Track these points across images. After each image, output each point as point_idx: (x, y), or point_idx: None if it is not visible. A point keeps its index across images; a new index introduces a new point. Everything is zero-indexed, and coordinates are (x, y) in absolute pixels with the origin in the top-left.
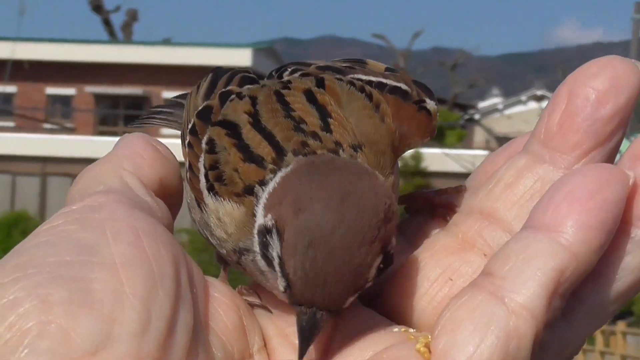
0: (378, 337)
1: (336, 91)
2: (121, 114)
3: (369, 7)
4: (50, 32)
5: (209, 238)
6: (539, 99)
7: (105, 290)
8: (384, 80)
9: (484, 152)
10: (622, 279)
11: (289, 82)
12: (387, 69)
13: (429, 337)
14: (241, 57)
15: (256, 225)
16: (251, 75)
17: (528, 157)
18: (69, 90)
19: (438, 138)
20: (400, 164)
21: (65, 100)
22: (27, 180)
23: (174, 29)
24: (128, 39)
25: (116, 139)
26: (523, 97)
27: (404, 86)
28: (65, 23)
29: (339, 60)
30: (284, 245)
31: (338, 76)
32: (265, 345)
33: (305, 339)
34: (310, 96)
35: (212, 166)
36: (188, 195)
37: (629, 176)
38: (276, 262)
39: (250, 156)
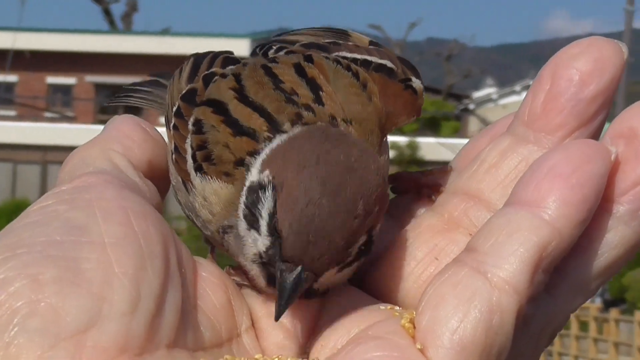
0: (364, 315)
1: (324, 67)
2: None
3: None
4: (51, 22)
5: (194, 220)
6: None
7: (95, 269)
8: (369, 58)
9: None
10: (604, 255)
11: (276, 58)
12: (370, 43)
13: (414, 313)
14: (239, 47)
15: (247, 183)
16: (233, 56)
17: (512, 138)
18: (69, 80)
19: (433, 128)
20: (396, 153)
21: (65, 89)
22: (28, 168)
23: (173, 19)
24: (128, 29)
25: None
26: (517, 87)
27: (389, 64)
28: (65, 13)
29: (321, 30)
30: (282, 198)
31: (324, 54)
32: (253, 325)
33: (287, 297)
34: (299, 69)
35: (200, 146)
36: (174, 178)
37: (610, 152)
38: (264, 219)
39: (240, 130)
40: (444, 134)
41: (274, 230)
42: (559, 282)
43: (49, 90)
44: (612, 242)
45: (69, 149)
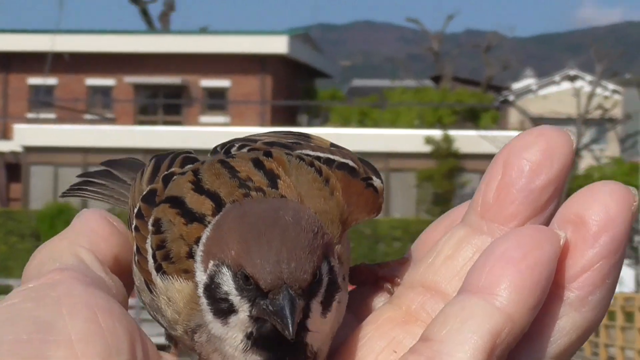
0: None
1: (284, 161)
2: (160, 103)
3: None
4: (89, 23)
5: (160, 320)
6: (572, 79)
7: None
8: (332, 157)
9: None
10: (557, 342)
11: (234, 154)
12: (332, 145)
13: None
14: (278, 44)
15: (201, 287)
16: (192, 155)
17: (466, 229)
18: (108, 81)
19: (473, 120)
20: (432, 147)
21: (105, 90)
22: (69, 171)
23: (211, 17)
24: (166, 29)
25: (155, 128)
26: (556, 78)
27: (351, 163)
28: (103, 14)
29: (283, 133)
30: (235, 257)
31: (286, 151)
32: None
33: (289, 314)
34: (257, 162)
35: (159, 246)
36: (137, 278)
37: (560, 236)
38: (233, 290)
39: (192, 217)
40: (483, 124)
41: (247, 288)
42: None
43: (88, 92)
44: (564, 328)
45: (110, 150)
